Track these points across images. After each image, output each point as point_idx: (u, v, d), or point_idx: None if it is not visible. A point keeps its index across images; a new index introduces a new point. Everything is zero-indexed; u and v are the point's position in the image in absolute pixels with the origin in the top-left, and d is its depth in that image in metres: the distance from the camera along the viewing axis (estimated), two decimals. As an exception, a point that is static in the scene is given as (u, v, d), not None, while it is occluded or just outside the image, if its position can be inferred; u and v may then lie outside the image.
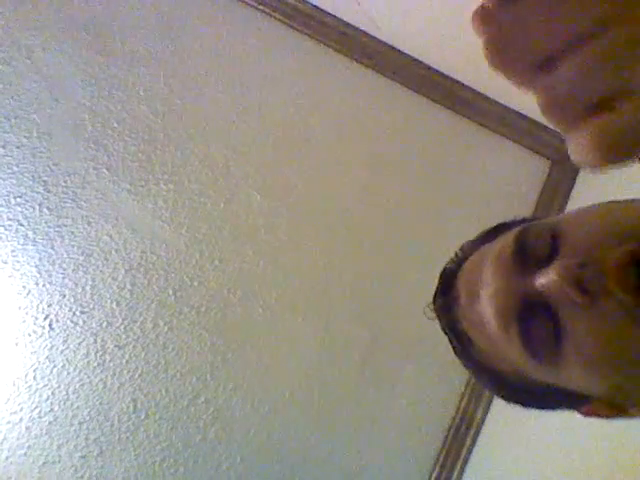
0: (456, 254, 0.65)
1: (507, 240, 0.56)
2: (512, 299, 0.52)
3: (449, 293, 0.62)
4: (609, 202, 0.55)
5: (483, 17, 0.25)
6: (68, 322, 1.62)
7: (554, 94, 0.24)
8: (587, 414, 0.59)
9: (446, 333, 0.64)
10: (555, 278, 0.48)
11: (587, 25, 0.22)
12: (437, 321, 0.65)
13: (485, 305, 0.55)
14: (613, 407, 0.57)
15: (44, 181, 1.62)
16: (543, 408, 0.62)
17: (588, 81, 0.23)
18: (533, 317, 0.51)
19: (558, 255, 0.50)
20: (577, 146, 0.24)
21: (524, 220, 0.62)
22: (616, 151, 0.23)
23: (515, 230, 0.56)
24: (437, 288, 0.65)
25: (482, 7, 0.25)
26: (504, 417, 1.70)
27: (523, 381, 0.57)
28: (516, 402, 0.62)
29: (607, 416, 0.58)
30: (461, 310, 0.59)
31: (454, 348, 0.63)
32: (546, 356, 0.51)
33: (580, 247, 0.49)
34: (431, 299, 0.65)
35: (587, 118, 0.23)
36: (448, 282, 0.63)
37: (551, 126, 0.25)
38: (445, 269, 0.65)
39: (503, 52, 0.24)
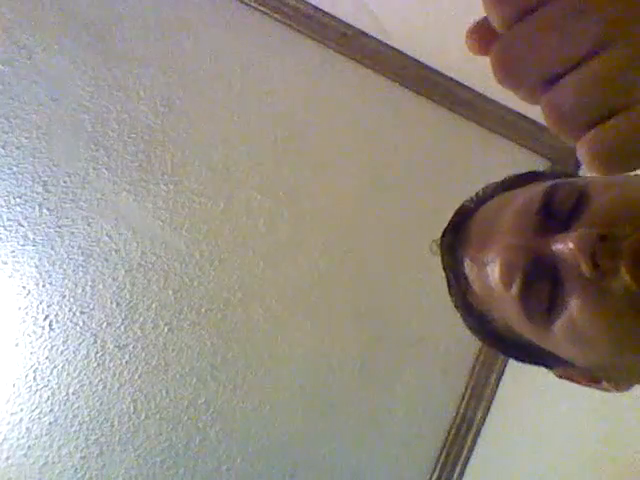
0: (477, 194, 0.64)
1: (535, 194, 0.54)
2: (524, 256, 0.51)
3: (460, 232, 0.61)
4: None
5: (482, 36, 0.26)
6: (68, 322, 1.62)
7: (560, 109, 0.24)
8: (561, 376, 0.59)
9: (445, 271, 0.63)
10: (571, 246, 0.47)
11: (592, 42, 0.23)
12: (439, 257, 0.65)
13: (494, 254, 0.54)
14: (588, 377, 0.57)
15: (44, 181, 1.62)
16: (521, 360, 0.63)
17: (593, 96, 0.24)
18: (538, 277, 0.50)
19: (580, 219, 0.50)
20: (581, 155, 0.25)
21: (554, 174, 0.60)
22: (613, 160, 0.24)
23: (545, 185, 0.54)
24: (449, 224, 0.64)
25: (476, 28, 0.26)
26: (504, 418, 1.70)
27: (509, 333, 0.57)
28: (496, 349, 0.64)
29: (580, 383, 0.58)
30: (467, 252, 0.58)
31: (450, 287, 0.63)
32: (540, 318, 0.51)
33: (604, 217, 0.48)
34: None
35: (590, 129, 0.24)
36: (462, 221, 0.62)
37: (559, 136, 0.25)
38: (462, 206, 0.64)
39: (511, 69, 0.25)
